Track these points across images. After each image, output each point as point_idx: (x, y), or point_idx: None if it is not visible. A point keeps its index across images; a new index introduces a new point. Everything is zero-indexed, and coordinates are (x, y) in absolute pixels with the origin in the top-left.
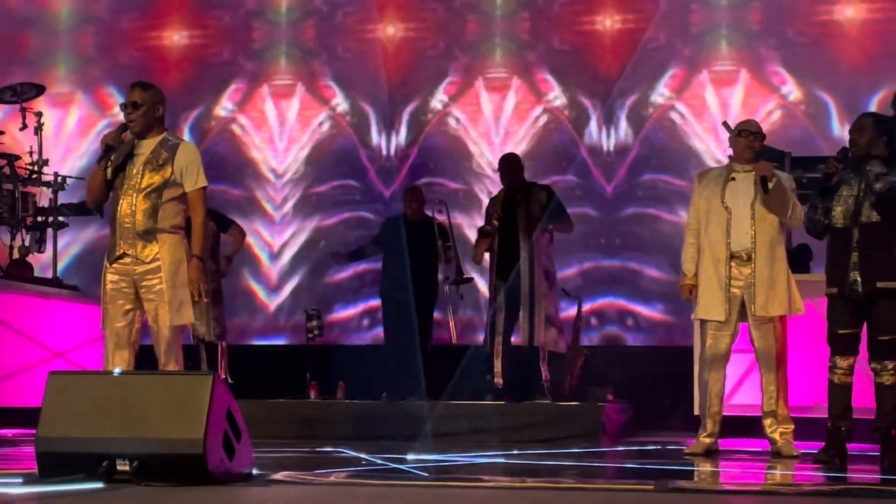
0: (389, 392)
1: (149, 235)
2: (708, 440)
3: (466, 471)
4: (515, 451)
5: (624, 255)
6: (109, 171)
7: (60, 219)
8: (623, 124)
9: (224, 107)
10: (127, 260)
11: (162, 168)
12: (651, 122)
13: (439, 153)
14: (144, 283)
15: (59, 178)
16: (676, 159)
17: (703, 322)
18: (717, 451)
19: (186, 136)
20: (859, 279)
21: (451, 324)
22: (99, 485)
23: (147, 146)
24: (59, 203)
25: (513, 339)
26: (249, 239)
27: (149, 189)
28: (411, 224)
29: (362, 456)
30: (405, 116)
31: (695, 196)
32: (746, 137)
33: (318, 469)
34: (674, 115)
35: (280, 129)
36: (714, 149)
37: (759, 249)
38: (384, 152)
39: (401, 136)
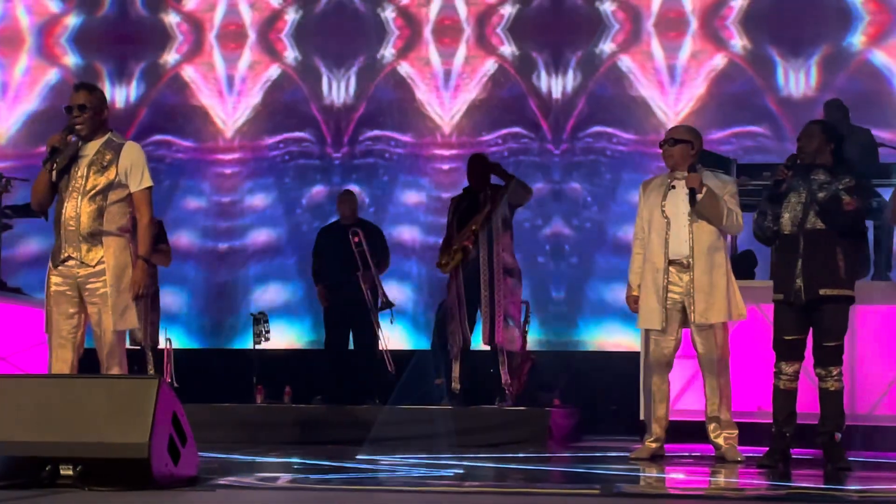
0: (325, 396)
1: (94, 238)
2: (654, 445)
3: (412, 475)
4: (462, 456)
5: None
6: (54, 173)
7: (5, 221)
8: (571, 76)
9: (174, 57)
10: (71, 263)
11: (106, 169)
12: (599, 75)
13: (388, 106)
14: (88, 287)
15: (4, 180)
16: (623, 111)
17: (646, 329)
18: (663, 455)
19: (135, 85)
20: (803, 286)
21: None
22: (42, 489)
23: (91, 148)
24: (3, 205)
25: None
26: (197, 203)
27: (94, 191)
28: (344, 229)
29: (308, 461)
30: (355, 69)
31: (640, 205)
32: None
33: (264, 473)
34: (621, 67)
35: (230, 81)
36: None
37: (697, 257)
38: (335, 105)
39: (350, 89)
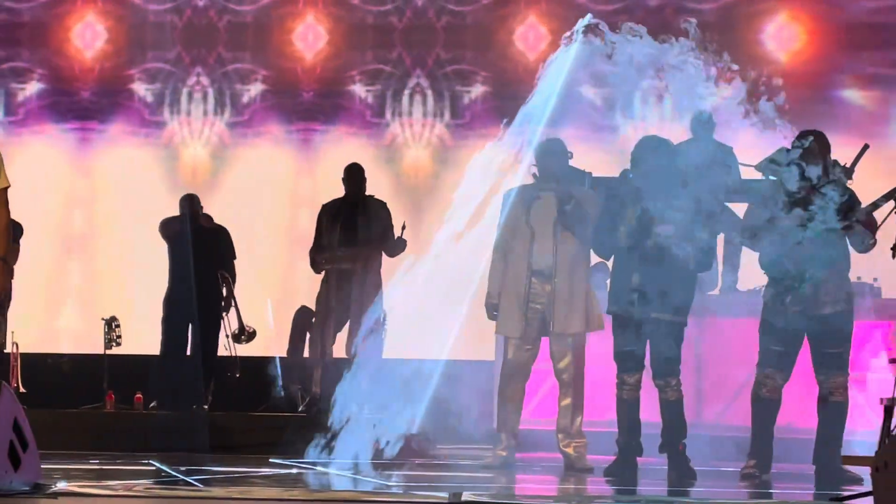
0: (160, 402)
1: None
2: (504, 453)
3: (250, 482)
4: (314, 461)
5: None
6: None
7: None
8: (434, 10)
9: None
10: None
11: None
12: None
13: (251, 38)
14: None
15: None
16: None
17: (505, 337)
18: (514, 464)
19: None
20: (636, 299)
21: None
22: None
23: None
24: None
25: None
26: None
27: None
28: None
29: (157, 467)
30: None
31: (501, 214)
32: None
33: (108, 480)
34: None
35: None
36: None
37: (560, 267)
38: (198, 35)
39: (214, 20)
